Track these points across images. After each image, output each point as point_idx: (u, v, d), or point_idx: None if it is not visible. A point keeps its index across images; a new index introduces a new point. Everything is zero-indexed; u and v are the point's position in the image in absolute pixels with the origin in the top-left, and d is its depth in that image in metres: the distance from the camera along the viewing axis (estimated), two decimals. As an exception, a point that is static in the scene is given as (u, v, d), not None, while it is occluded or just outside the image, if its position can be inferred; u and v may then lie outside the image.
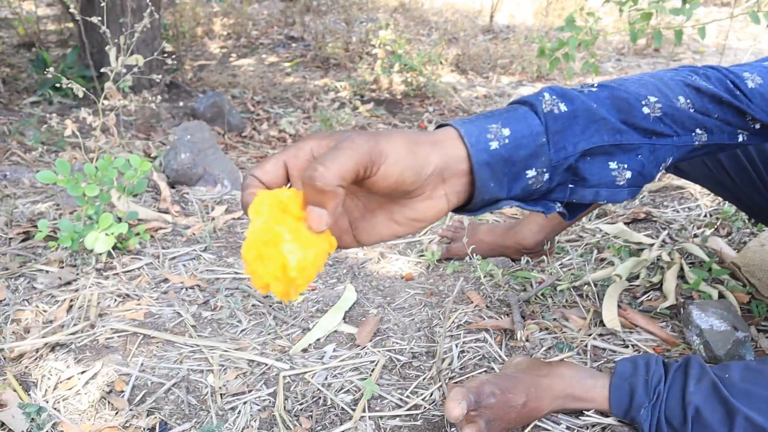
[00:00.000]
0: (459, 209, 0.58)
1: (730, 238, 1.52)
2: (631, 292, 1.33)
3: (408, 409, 1.05)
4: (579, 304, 1.27)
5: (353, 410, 1.05)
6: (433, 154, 0.52)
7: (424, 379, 1.12)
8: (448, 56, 3.52)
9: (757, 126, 0.73)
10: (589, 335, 1.19)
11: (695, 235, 1.51)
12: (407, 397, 1.07)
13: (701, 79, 0.69)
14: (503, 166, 0.55)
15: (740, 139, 0.72)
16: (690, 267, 1.36)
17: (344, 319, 1.28)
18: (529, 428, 0.99)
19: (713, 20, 2.15)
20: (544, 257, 1.41)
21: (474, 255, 1.41)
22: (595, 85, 0.64)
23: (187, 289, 1.41)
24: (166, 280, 1.44)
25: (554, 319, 1.24)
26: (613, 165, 0.61)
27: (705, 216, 1.62)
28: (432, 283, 1.41)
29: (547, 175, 0.58)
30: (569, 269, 1.41)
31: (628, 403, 0.93)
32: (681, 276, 1.35)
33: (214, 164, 2.04)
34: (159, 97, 3.02)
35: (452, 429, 1.00)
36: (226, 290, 1.39)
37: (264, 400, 1.08)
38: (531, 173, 0.57)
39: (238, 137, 2.84)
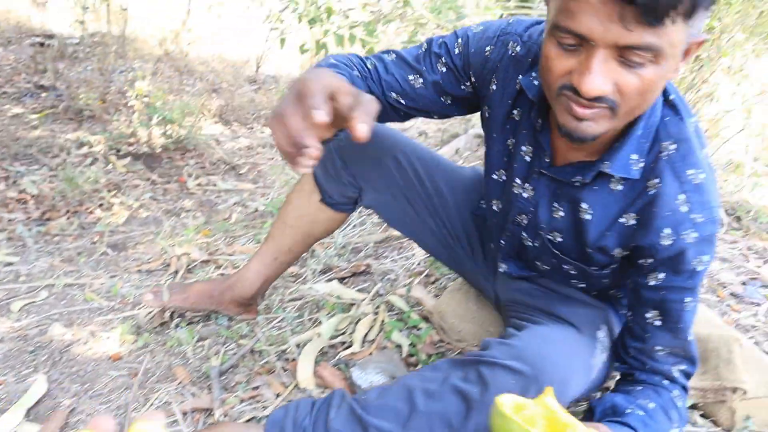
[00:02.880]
0: None
1: (436, 284, 1.67)
2: (336, 349, 1.39)
3: None
4: (280, 368, 1.30)
5: None
6: None
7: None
8: (211, 107, 3.49)
9: None
10: (289, 400, 1.22)
11: (408, 282, 1.64)
12: (85, 497, 1.01)
13: None
14: None
15: None
16: (391, 318, 1.46)
17: (28, 416, 1.17)
18: None
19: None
20: (256, 317, 1.44)
21: (177, 324, 1.38)
22: None
23: None
24: None
25: (256, 387, 1.25)
26: None
27: (418, 264, 1.76)
28: (140, 361, 1.35)
29: None
30: (281, 331, 1.44)
31: None
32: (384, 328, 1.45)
33: None
34: None
35: None
36: None
37: None
38: None
39: (-35, 202, 2.53)
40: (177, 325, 1.45)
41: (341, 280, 1.67)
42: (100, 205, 2.38)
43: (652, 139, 0.88)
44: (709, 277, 1.90)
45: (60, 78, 3.77)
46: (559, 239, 1.00)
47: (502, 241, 1.13)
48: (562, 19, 0.73)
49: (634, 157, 0.87)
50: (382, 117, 1.10)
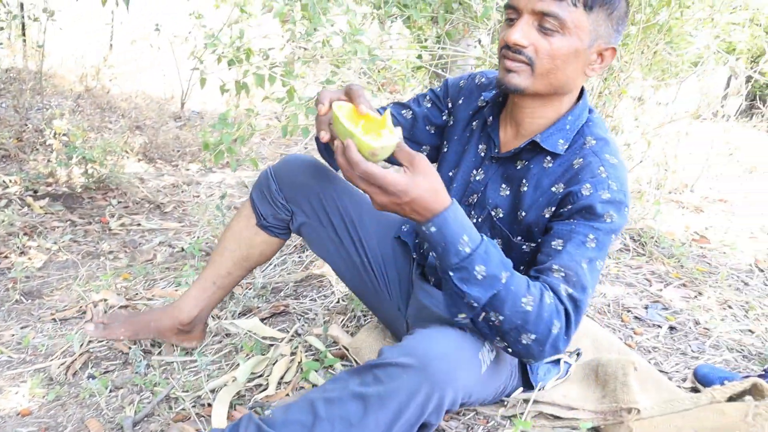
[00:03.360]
0: None
1: (354, 322, 1.71)
2: (253, 392, 1.41)
3: None
4: (195, 414, 1.30)
5: None
6: None
7: None
8: (134, 145, 3.45)
9: None
10: (204, 447, 1.23)
11: (325, 321, 1.67)
12: None
13: None
14: None
15: None
16: (309, 358, 1.49)
17: (-73, 481, 1.14)
18: None
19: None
20: (197, 346, 1.46)
21: (90, 374, 1.36)
22: None
23: None
24: None
25: (171, 436, 1.25)
26: None
27: (337, 302, 1.80)
28: (52, 415, 1.33)
29: None
30: (197, 377, 1.45)
31: None
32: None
33: None
34: None
35: None
36: None
37: None
38: None
39: None
40: (90, 376, 1.43)
41: (261, 321, 1.69)
42: (15, 249, 2.31)
43: (576, 132, 1.15)
44: (615, 302, 2.02)
45: (-28, 116, 3.65)
46: (501, 215, 1.20)
47: None
48: None
49: (561, 141, 1.14)
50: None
